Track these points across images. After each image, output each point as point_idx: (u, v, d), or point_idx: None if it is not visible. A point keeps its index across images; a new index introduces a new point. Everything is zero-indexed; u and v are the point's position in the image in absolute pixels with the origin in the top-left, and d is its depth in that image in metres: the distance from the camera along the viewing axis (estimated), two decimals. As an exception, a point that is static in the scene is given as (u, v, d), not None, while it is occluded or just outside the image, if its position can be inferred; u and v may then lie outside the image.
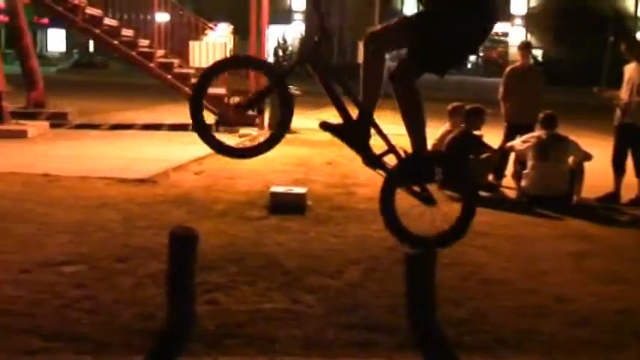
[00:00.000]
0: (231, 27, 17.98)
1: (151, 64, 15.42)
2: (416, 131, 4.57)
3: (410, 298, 4.54)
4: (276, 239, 6.58)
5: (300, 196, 7.86)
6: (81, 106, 17.95)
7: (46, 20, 49.33)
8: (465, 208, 4.52)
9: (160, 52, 15.72)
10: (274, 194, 7.84)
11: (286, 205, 7.71)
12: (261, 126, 15.45)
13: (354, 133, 4.62)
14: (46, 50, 56.49)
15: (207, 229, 6.46)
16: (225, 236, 6.46)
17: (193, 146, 12.23)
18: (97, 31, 15.19)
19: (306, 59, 4.52)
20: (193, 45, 16.44)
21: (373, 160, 4.61)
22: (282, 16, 51.46)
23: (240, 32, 20.66)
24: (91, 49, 52.62)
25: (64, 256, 5.67)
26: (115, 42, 15.41)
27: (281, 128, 4.57)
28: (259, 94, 4.71)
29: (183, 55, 16.33)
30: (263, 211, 7.65)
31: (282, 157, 11.88)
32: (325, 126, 4.60)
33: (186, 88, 15.53)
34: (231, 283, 5.24)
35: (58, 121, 15.22)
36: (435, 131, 10.89)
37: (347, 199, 8.65)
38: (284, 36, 51.52)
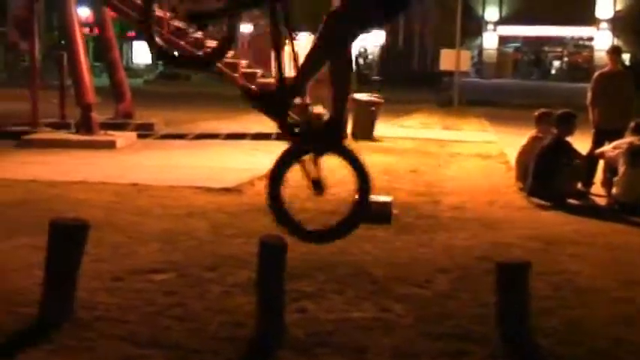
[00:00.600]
0: (313, 36, 18.08)
1: (236, 74, 15.60)
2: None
3: (501, 308, 4.47)
4: (362, 248, 6.55)
5: (386, 205, 7.81)
6: (166, 117, 18.28)
7: (131, 33, 50.51)
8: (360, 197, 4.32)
9: (244, 63, 15.88)
10: (359, 202, 7.81)
11: (372, 214, 7.66)
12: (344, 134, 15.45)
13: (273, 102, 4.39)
14: (132, 62, 57.73)
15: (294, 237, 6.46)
16: (312, 245, 6.45)
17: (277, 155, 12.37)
18: (182, 42, 15.44)
19: None
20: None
21: (286, 128, 4.35)
22: (363, 24, 51.40)
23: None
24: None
25: (154, 264, 5.76)
26: (200, 53, 15.65)
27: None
28: None
29: (266, 64, 16.46)
30: (348, 220, 7.62)
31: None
32: (248, 95, 4.47)
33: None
34: (319, 291, 5.24)
35: (145, 131, 15.53)
36: (519, 138, 10.73)
37: (433, 208, 8.56)
38: (364, 45, 51.54)
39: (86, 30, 16.49)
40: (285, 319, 4.44)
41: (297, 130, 4.36)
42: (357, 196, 4.35)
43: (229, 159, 11.99)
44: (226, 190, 9.00)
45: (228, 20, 4.48)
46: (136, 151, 12.78)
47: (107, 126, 14.84)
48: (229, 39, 4.59)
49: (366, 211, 4.43)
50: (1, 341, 4.23)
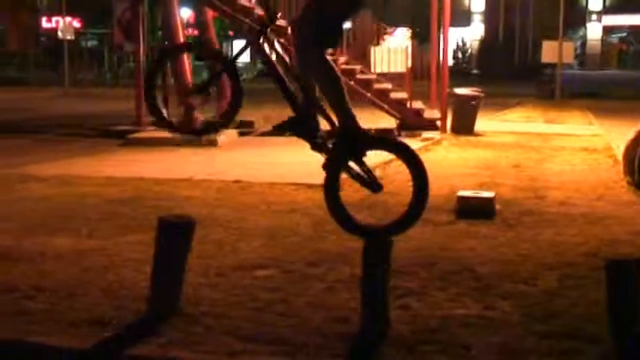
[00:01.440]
0: (410, 31, 17.95)
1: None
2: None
3: (611, 306, 4.33)
4: (465, 244, 6.47)
5: (489, 200, 7.70)
6: (266, 114, 18.47)
7: (230, 32, 51.30)
8: (417, 188, 4.60)
9: (342, 59, 15.91)
10: (462, 198, 7.72)
11: (474, 210, 7.56)
12: (443, 129, 15.31)
13: (302, 124, 4.62)
14: (232, 61, 58.55)
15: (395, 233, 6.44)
16: (414, 241, 6.40)
17: (377, 151, 12.34)
18: (282, 40, 15.58)
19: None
20: (374, 50, 16.54)
21: (318, 147, 4.60)
22: (461, 17, 50.85)
23: (419, 36, 20.56)
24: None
25: (257, 260, 5.82)
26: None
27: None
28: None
29: (363, 60, 16.42)
30: (450, 216, 7.54)
31: (466, 161, 11.73)
32: (277, 128, 4.72)
33: (369, 94, 15.66)
34: (422, 288, 5.19)
35: (246, 129, 15.76)
36: (626, 131, 10.39)
37: (537, 203, 8.38)
38: (463, 39, 50.93)
39: (189, 30, 16.81)
40: (389, 316, 4.42)
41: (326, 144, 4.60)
42: (412, 189, 4.65)
43: (329, 155, 12.02)
44: (327, 187, 9.01)
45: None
46: (237, 148, 12.99)
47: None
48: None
49: (423, 203, 4.69)
50: (110, 335, 4.35)
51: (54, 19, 46.10)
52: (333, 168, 4.60)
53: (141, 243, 6.16)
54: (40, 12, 52.63)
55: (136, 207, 7.77)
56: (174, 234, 4.53)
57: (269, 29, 4.61)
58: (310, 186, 8.99)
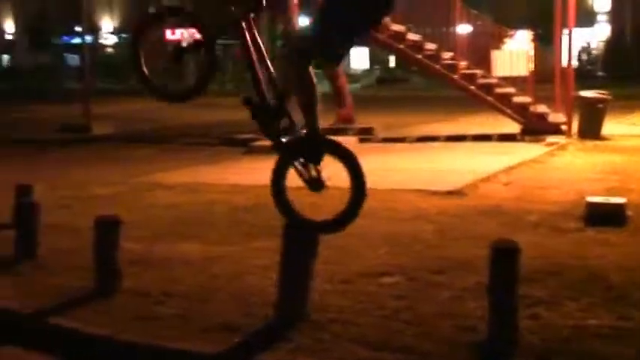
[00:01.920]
0: (532, 33, 17.57)
1: (455, 76, 15.47)
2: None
3: None
4: (595, 252, 6.26)
5: (619, 207, 7.43)
6: (385, 121, 18.48)
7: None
8: (355, 191, 5.05)
9: (463, 64, 15.72)
10: (591, 204, 7.49)
11: (604, 216, 7.32)
12: (568, 134, 14.91)
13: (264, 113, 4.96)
14: (349, 68, 58.93)
15: (522, 241, 6.30)
16: (542, 248, 6.26)
17: (499, 156, 12.15)
18: (401, 46, 15.54)
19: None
20: (495, 54, 16.27)
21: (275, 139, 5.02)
22: (584, 18, 49.46)
23: (541, 38, 20.08)
24: (392, 64, 54.08)
25: (382, 267, 5.82)
26: (419, 56, 15.66)
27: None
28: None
29: (484, 64, 16.17)
30: (578, 222, 7.33)
31: (594, 165, 11.39)
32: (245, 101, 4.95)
33: (490, 98, 15.42)
34: (552, 297, 5.06)
35: (365, 135, 15.77)
36: None
37: (672, 209, 8.04)
38: (587, 40, 49.53)
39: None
40: (518, 325, 4.32)
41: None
42: (350, 190, 5.10)
43: (450, 161, 11.91)
44: (450, 193, 8.93)
45: None
46: (358, 156, 12.99)
47: (329, 131, 15.19)
48: None
49: (360, 203, 5.14)
50: (240, 340, 4.43)
51: (178, 31, 47.45)
52: (285, 162, 5.02)
53: (267, 249, 6.25)
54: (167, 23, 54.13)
55: (260, 214, 7.88)
56: (301, 241, 4.58)
57: (252, 16, 4.92)
58: (434, 192, 8.93)
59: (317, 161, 5.10)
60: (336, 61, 5.45)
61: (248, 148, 14.21)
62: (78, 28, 58.15)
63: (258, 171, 11.27)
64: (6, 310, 5.04)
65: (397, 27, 15.50)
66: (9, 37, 67.26)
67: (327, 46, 4.80)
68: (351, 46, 5.01)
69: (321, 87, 16.44)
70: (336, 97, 16.95)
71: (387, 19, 15.33)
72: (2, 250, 6.33)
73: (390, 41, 15.47)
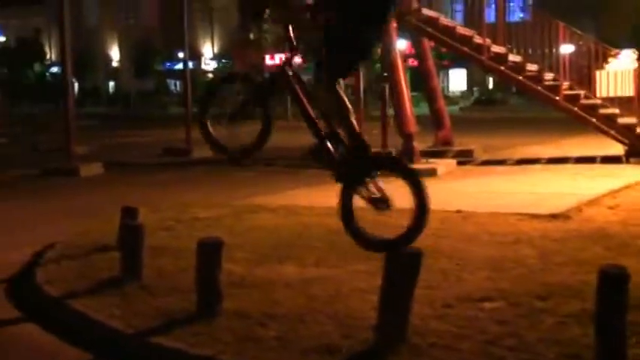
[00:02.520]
0: (636, 53, 17.11)
1: (557, 97, 15.16)
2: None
3: None
4: None
5: None
6: (484, 143, 18.26)
7: (447, 62, 51.34)
8: (418, 204, 5.31)
9: (565, 85, 15.39)
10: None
11: None
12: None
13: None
14: (448, 90, 58.64)
15: (629, 266, 6.09)
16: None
17: (603, 179, 11.83)
18: (502, 67, 15.34)
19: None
20: (599, 74, 15.89)
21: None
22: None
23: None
24: (491, 86, 53.53)
25: (483, 292, 5.71)
26: (520, 77, 15.42)
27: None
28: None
29: (586, 85, 15.79)
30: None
31: None
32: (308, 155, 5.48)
33: (594, 119, 15.04)
34: (662, 325, 4.85)
35: (464, 158, 15.63)
36: None
37: None
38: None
39: (408, 61, 17.00)
40: (626, 353, 4.17)
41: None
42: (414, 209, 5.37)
43: (552, 184, 11.66)
44: (553, 216, 8.72)
45: None
46: (457, 178, 12.88)
47: (427, 154, 15.13)
48: None
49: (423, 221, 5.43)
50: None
51: (277, 56, 48.15)
52: (347, 190, 5.36)
53: (365, 272, 6.23)
54: (264, 49, 55.15)
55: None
56: (402, 265, 4.53)
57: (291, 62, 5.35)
58: (535, 216, 8.73)
59: (369, 176, 5.36)
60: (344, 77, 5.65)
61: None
62: (180, 55, 59.81)
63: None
64: (111, 329, 5.16)
65: (498, 48, 15.32)
66: (115, 64, 69.60)
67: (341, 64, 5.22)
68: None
69: (419, 109, 16.56)
70: (434, 119, 16.86)
71: (488, 41, 15.17)
72: (109, 271, 6.51)
73: (492, 63, 15.30)
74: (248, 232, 8.31)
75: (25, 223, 10.18)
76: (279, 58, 6.26)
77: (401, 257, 4.54)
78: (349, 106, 5.37)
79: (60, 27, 16.78)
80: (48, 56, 71.32)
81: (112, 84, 69.95)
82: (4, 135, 26.69)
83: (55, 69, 66.35)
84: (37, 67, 68.70)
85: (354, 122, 5.35)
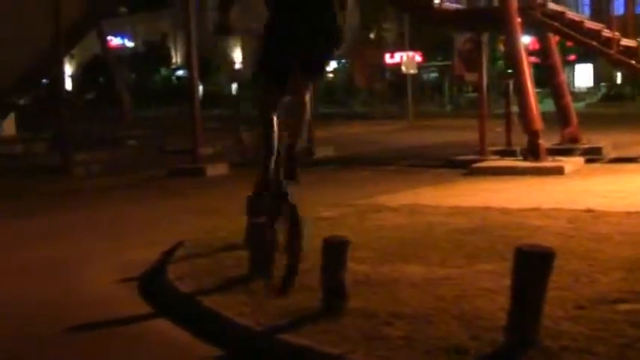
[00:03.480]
0: None
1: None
2: None
3: None
4: None
5: None
6: (613, 140, 17.65)
7: (572, 57, 49.94)
8: None
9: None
10: None
11: None
12: None
13: None
14: (573, 86, 57.05)
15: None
16: None
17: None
18: (632, 61, 14.80)
19: None
20: None
21: None
22: None
23: None
24: (619, 81, 51.78)
25: (617, 293, 5.50)
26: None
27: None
28: None
29: None
30: None
31: None
32: None
33: None
34: None
35: (592, 155, 15.16)
36: None
37: None
38: None
39: (532, 58, 16.63)
40: None
41: None
42: None
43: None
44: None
45: None
46: (584, 177, 12.52)
47: (553, 152, 14.76)
48: None
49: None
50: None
51: (397, 54, 48.12)
52: None
53: (492, 272, 6.12)
54: (384, 48, 55.18)
55: (483, 236, 7.75)
56: (533, 265, 4.41)
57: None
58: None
59: None
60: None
61: (469, 170, 14.07)
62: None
63: (480, 192, 11.15)
64: (242, 326, 5.25)
65: (628, 41, 14.80)
66: (237, 66, 70.93)
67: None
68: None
69: (544, 106, 16.23)
70: (560, 116, 16.44)
71: (617, 34, 14.66)
72: (237, 268, 6.63)
73: (622, 57, 14.78)
74: (371, 231, 8.31)
75: (154, 223, 10.49)
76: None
77: (532, 257, 4.42)
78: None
79: (186, 31, 17.24)
80: (174, 60, 73.42)
81: (234, 86, 71.32)
82: (134, 137, 27.64)
83: (180, 72, 68.23)
84: (163, 71, 70.83)
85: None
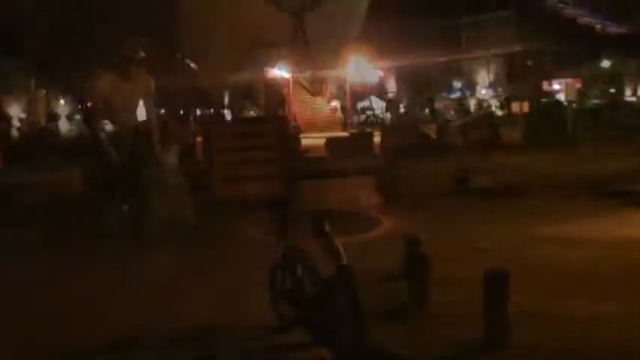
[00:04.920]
0: None
1: None
2: None
3: None
4: None
5: None
6: None
7: None
8: None
9: None
10: None
11: None
12: None
13: None
14: None
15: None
16: None
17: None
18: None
19: None
20: None
21: None
22: None
23: None
24: None
25: None
26: None
27: None
28: None
29: None
30: None
31: None
32: None
33: None
34: None
35: None
36: None
37: None
38: None
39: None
40: None
41: None
42: None
43: None
44: None
45: None
46: None
47: None
48: None
49: None
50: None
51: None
52: None
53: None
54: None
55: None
56: None
57: None
58: None
59: None
60: None
61: (629, 200, 13.56)
62: (457, 84, 60.33)
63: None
64: (404, 356, 5.30)
65: None
66: (390, 95, 71.03)
67: None
68: None
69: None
70: None
71: None
72: (396, 298, 6.68)
73: None
74: (531, 262, 8.19)
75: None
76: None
77: None
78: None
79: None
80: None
81: (387, 115, 71.51)
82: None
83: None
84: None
85: None
